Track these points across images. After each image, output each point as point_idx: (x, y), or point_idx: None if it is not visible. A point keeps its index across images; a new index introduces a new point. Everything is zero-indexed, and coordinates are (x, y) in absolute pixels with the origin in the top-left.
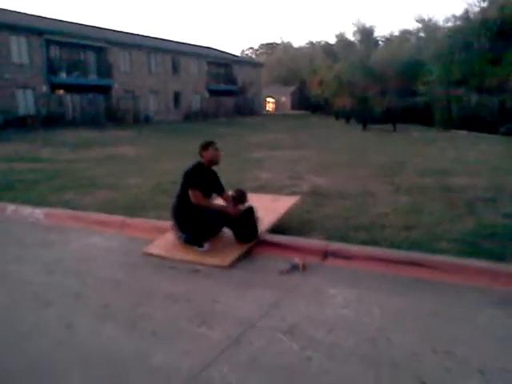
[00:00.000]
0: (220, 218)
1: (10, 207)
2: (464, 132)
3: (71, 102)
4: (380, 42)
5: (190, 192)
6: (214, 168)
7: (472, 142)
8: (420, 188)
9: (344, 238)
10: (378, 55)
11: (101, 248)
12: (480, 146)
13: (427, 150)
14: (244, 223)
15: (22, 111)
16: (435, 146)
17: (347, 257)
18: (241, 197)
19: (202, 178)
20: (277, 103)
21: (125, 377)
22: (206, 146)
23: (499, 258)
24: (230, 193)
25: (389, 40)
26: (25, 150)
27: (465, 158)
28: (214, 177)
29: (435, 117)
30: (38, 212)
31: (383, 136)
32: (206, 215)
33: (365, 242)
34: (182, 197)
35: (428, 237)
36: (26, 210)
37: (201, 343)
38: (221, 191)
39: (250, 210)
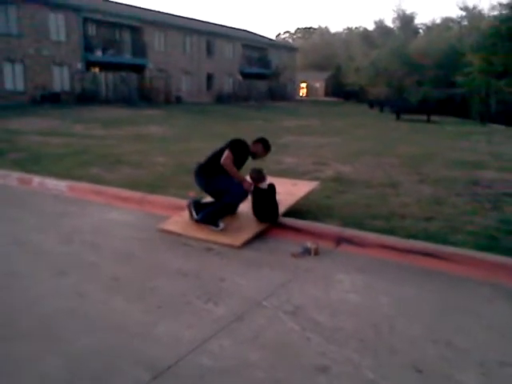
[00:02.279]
0: (240, 195)
1: (36, 179)
2: (502, 127)
3: (105, 80)
4: (420, 30)
5: (227, 152)
6: None
7: (508, 136)
8: (446, 180)
9: (360, 226)
10: (417, 44)
11: (119, 222)
12: None
13: (460, 143)
14: (265, 201)
15: (57, 87)
16: (469, 139)
17: (361, 244)
18: (258, 176)
19: (242, 153)
20: (310, 89)
21: (128, 343)
22: (259, 140)
23: None
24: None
25: (430, 28)
26: (57, 125)
27: (498, 153)
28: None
29: (472, 110)
30: (62, 185)
31: (416, 127)
32: (230, 192)
33: (381, 231)
34: (215, 159)
35: (446, 229)
36: (51, 183)
37: (205, 318)
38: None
39: (272, 187)
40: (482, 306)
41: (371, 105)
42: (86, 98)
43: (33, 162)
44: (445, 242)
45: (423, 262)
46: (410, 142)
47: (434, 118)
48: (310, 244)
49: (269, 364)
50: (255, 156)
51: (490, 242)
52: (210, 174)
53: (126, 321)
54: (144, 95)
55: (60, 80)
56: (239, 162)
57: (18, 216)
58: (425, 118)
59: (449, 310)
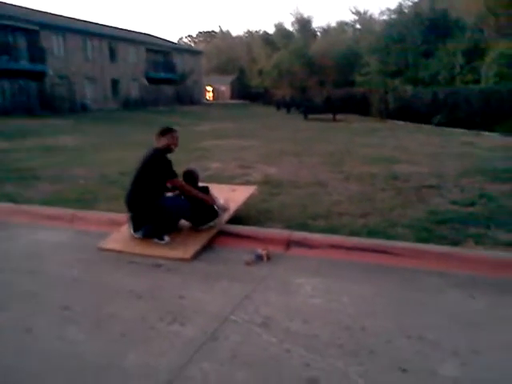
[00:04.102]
0: (181, 208)
1: None
2: (401, 122)
3: (1, 89)
4: (318, 33)
5: (180, 183)
6: None
7: (409, 131)
8: (368, 176)
9: (304, 227)
10: (316, 46)
11: (52, 244)
12: (417, 136)
13: (369, 140)
14: (202, 205)
15: None
16: (376, 135)
17: (310, 246)
18: (192, 177)
19: (169, 162)
20: (216, 92)
21: (98, 381)
22: (164, 132)
23: (454, 242)
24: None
25: (326, 31)
26: None
27: (404, 147)
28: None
29: (372, 107)
30: None
31: (325, 125)
32: (170, 206)
33: (324, 230)
34: (143, 187)
35: (384, 224)
36: None
37: (175, 342)
38: (174, 176)
39: (206, 189)
40: (436, 297)
41: (278, 106)
42: None
43: None
44: (386, 236)
45: (373, 258)
46: (323, 140)
47: (338, 116)
48: (261, 250)
49: (258, 382)
50: (172, 149)
51: (425, 233)
52: (147, 204)
53: (90, 354)
54: (46, 104)
55: None
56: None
57: None
58: (330, 116)
59: (408, 304)
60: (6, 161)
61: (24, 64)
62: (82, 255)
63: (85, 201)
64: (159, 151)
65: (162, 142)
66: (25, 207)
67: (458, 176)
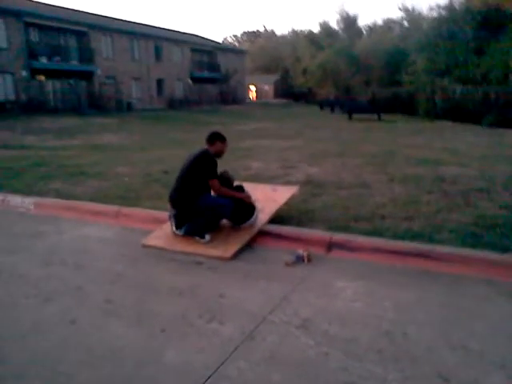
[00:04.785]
0: (223, 207)
1: None
2: (449, 123)
3: (52, 88)
4: (364, 31)
5: (211, 182)
6: None
7: (457, 132)
8: (414, 178)
9: (346, 229)
10: (362, 44)
11: (98, 239)
12: (466, 137)
13: (415, 140)
14: (240, 204)
15: (1, 96)
16: (422, 136)
17: (352, 248)
18: (225, 178)
19: (215, 165)
20: (260, 91)
21: (137, 373)
22: (215, 138)
23: (503, 249)
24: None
25: (372, 29)
26: (7, 137)
27: (453, 148)
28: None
29: (419, 107)
30: (28, 201)
31: (370, 125)
32: (213, 206)
33: (367, 233)
34: (188, 185)
35: (429, 227)
36: (15, 200)
37: (213, 339)
38: (214, 177)
39: (241, 187)
40: (482, 306)
41: (321, 105)
42: (33, 107)
43: None
44: (431, 240)
45: (417, 262)
46: (367, 140)
47: (384, 116)
48: (301, 251)
49: None
50: (220, 155)
51: (472, 239)
52: (190, 202)
53: (130, 348)
54: (94, 103)
55: (3, 89)
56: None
57: None
58: (375, 116)
59: (453, 312)
60: (55, 158)
61: (74, 65)
62: (125, 251)
63: (129, 198)
64: (209, 151)
65: (213, 147)
66: (72, 203)
67: (509, 179)
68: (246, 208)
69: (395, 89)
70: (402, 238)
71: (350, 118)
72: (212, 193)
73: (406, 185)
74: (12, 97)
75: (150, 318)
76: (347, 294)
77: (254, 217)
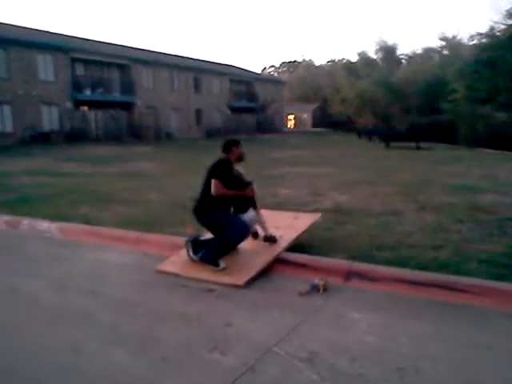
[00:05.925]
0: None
1: (25, 221)
2: (490, 151)
3: (94, 118)
4: (403, 60)
5: (213, 182)
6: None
7: (498, 160)
8: (446, 206)
9: (368, 258)
10: (400, 73)
11: (114, 264)
12: (508, 165)
13: (453, 168)
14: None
15: (46, 127)
16: (461, 164)
17: (372, 278)
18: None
19: (227, 170)
20: (298, 120)
21: None
22: (229, 145)
23: None
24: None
25: (412, 58)
26: (47, 165)
27: (492, 176)
28: (239, 173)
29: (459, 135)
30: (53, 227)
31: (407, 154)
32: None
33: (390, 263)
34: (206, 193)
35: (457, 257)
36: (41, 225)
37: (212, 371)
38: (220, 179)
39: (249, 183)
40: (506, 342)
41: (359, 134)
42: (76, 136)
43: (22, 203)
44: (458, 271)
45: (439, 294)
46: (403, 169)
47: (423, 144)
48: (317, 280)
49: None
50: (241, 159)
51: (503, 270)
52: (206, 210)
53: (129, 377)
54: (133, 132)
55: (49, 119)
56: (232, 181)
57: (6, 262)
58: (414, 145)
59: (473, 348)
60: (89, 184)
61: (116, 96)
62: (140, 277)
63: (153, 224)
64: (228, 159)
65: (231, 155)
66: (96, 228)
67: None
68: (247, 201)
69: (435, 117)
70: (427, 267)
71: (388, 146)
72: (212, 192)
73: (437, 213)
74: (56, 127)
75: (154, 346)
76: (361, 327)
77: (249, 213)
